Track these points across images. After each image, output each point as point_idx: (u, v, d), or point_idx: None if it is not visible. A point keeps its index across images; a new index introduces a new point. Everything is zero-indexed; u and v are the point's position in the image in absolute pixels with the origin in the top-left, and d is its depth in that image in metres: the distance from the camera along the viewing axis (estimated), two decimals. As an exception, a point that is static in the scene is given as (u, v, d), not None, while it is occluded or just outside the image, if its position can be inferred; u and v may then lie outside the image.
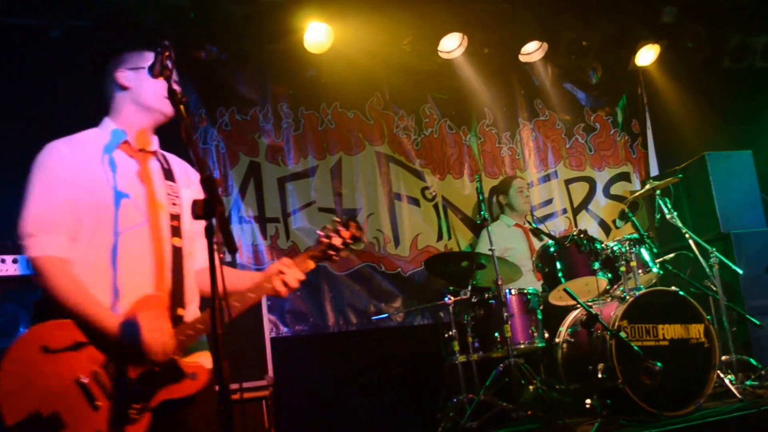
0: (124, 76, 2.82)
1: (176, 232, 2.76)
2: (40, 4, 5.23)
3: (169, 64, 2.38)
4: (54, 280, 2.57)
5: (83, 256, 2.62)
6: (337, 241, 2.87)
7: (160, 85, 2.68)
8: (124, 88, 2.82)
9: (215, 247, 2.12)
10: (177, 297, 2.70)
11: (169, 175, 2.86)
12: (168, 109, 2.76)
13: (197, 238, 2.85)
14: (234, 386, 2.22)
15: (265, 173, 6.11)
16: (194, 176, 2.98)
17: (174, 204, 2.80)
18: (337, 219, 2.90)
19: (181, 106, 2.36)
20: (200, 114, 5.92)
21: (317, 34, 5.94)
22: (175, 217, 2.78)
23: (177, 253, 2.74)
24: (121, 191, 2.68)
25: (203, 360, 2.71)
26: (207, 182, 2.16)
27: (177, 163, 2.99)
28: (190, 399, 2.63)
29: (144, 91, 2.80)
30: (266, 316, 4.91)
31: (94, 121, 2.88)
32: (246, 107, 6.16)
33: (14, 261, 4.07)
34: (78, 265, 2.61)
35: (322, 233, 2.88)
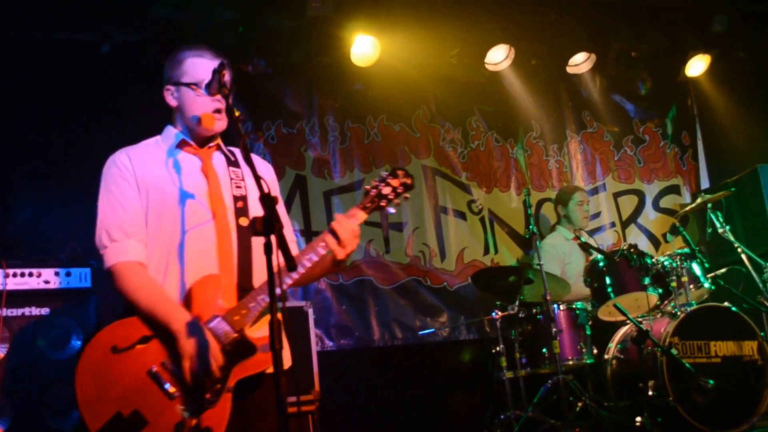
0: (169, 93, 2.85)
1: (242, 212, 2.76)
2: (92, 20, 5.34)
3: (227, 82, 2.40)
4: (130, 283, 2.61)
5: (152, 256, 2.68)
6: (386, 190, 2.80)
7: (204, 104, 2.74)
8: (172, 106, 2.87)
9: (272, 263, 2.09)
10: (245, 275, 2.69)
11: (232, 162, 2.89)
12: (212, 126, 2.75)
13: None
14: (291, 399, 2.18)
15: (311, 186, 6.13)
16: (264, 168, 2.98)
17: (238, 187, 2.81)
18: (384, 172, 2.83)
19: (239, 125, 2.38)
20: (247, 128, 5.97)
21: (364, 48, 5.96)
22: (240, 199, 2.79)
23: (243, 232, 2.73)
24: (187, 191, 2.72)
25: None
26: (266, 200, 2.17)
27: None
28: (264, 374, 2.59)
29: (188, 110, 2.80)
30: (313, 330, 4.91)
31: (146, 132, 2.93)
32: (292, 120, 6.19)
33: (67, 274, 4.12)
34: (150, 266, 2.67)
35: (368, 186, 2.81)
